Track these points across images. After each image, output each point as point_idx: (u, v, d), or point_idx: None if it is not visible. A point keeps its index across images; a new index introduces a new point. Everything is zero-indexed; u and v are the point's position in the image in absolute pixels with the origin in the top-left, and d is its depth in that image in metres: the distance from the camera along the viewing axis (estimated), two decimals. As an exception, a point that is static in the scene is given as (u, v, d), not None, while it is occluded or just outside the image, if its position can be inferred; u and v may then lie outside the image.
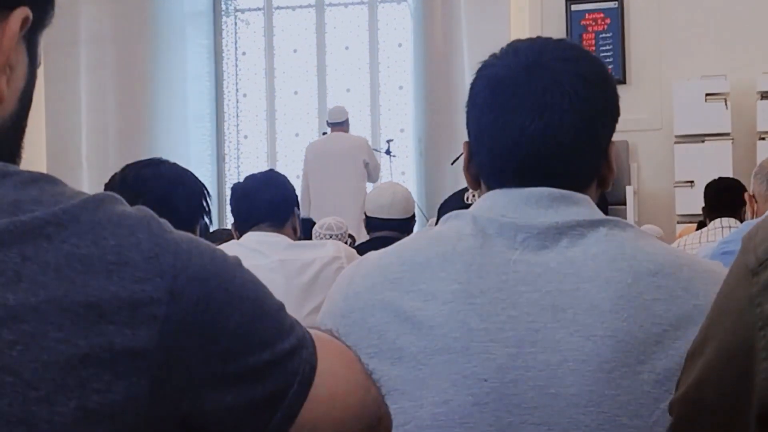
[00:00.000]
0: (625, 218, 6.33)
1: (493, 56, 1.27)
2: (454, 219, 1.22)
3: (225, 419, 0.78)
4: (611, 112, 1.25)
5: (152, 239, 0.76)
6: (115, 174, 2.08)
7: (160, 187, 2.02)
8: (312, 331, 0.89)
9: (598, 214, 1.19)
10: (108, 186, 2.04)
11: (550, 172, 1.20)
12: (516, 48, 1.27)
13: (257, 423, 0.81)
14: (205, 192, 2.12)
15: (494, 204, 1.20)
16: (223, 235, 5.39)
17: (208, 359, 0.77)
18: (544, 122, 1.20)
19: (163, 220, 0.79)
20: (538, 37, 1.32)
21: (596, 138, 1.23)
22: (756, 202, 3.53)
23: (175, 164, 2.15)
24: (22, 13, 0.79)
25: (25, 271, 0.71)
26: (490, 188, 1.24)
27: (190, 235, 0.80)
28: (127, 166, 2.11)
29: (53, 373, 0.69)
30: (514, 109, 1.22)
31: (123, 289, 0.73)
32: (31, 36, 0.81)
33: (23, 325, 0.70)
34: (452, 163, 8.22)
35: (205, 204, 2.10)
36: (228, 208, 10.51)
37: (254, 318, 0.81)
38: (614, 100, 1.26)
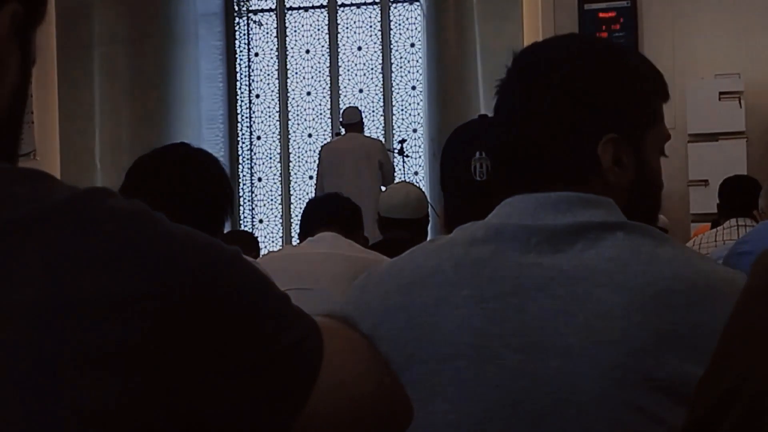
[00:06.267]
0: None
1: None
2: (470, 225, 1.21)
3: (226, 414, 0.77)
4: (597, 109, 1.22)
5: (144, 232, 0.74)
6: (142, 158, 2.05)
7: (189, 179, 2.00)
8: (322, 320, 0.87)
9: (618, 218, 1.16)
10: (131, 171, 2.01)
11: (533, 173, 1.20)
12: (519, 53, 1.27)
13: (260, 417, 0.79)
14: (229, 181, 2.10)
15: (513, 210, 1.19)
16: (241, 237, 5.40)
17: (205, 354, 0.75)
18: (519, 126, 1.22)
19: (158, 213, 0.77)
20: (552, 37, 1.32)
21: (568, 138, 1.21)
22: (764, 214, 3.64)
23: (199, 150, 2.10)
24: (12, 8, 0.78)
25: (14, 269, 0.70)
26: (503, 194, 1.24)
27: (186, 227, 0.78)
28: (154, 151, 2.08)
29: (46, 373, 0.68)
30: (505, 115, 1.25)
31: (115, 285, 0.71)
32: (23, 32, 0.80)
33: (14, 324, 0.69)
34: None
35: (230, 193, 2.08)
36: (242, 209, 10.40)
37: (253, 310, 0.79)
38: (608, 96, 1.23)
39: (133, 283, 0.72)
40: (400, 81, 9.71)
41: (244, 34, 9.93)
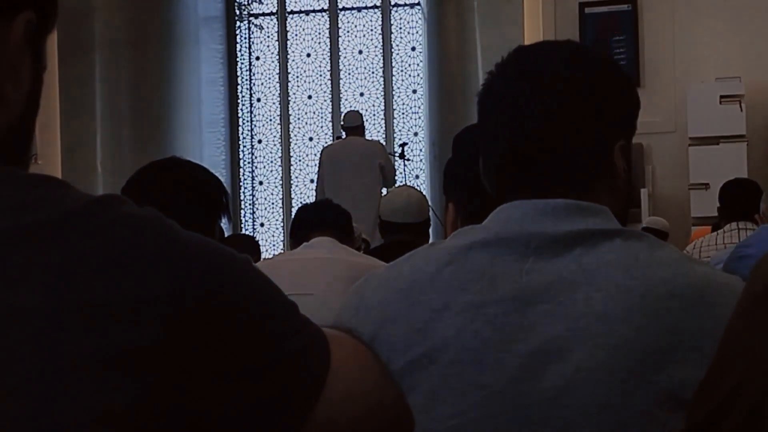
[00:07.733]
0: (640, 221, 6.32)
1: (496, 66, 1.27)
2: (468, 230, 1.21)
3: (233, 419, 0.78)
4: (611, 116, 1.23)
5: (158, 239, 0.76)
6: (132, 177, 2.09)
7: (176, 188, 2.03)
8: (328, 331, 0.87)
9: (615, 225, 1.18)
10: (125, 189, 2.05)
11: (535, 180, 1.20)
12: (513, 56, 1.27)
13: (266, 423, 0.80)
14: (223, 188, 2.13)
15: (510, 216, 1.19)
16: (242, 241, 5.40)
17: (214, 358, 0.76)
18: (524, 131, 1.21)
19: (170, 221, 0.78)
20: (543, 42, 1.32)
21: (587, 144, 1.21)
22: (765, 218, 3.66)
23: (189, 162, 2.16)
24: (26, 17, 0.79)
25: (29, 273, 0.71)
26: (496, 200, 1.24)
27: (198, 235, 0.79)
28: (143, 168, 2.12)
29: (59, 375, 0.69)
30: (500, 121, 1.24)
31: (128, 289, 0.72)
32: (35, 40, 0.81)
33: (28, 327, 0.69)
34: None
35: (224, 200, 2.11)
36: (243, 213, 10.38)
37: (262, 317, 0.80)
38: (617, 104, 1.24)
39: (145, 287, 0.73)
40: (401, 84, 9.72)
41: (246, 38, 9.94)
